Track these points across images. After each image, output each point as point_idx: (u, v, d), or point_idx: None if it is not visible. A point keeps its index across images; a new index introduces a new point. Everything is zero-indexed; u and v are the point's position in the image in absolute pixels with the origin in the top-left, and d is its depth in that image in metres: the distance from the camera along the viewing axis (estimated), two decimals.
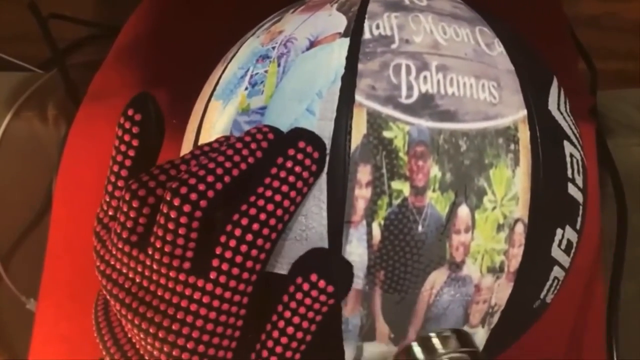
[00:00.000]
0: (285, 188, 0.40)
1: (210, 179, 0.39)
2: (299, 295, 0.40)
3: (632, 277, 0.83)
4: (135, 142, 0.43)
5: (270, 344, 0.41)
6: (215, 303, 0.40)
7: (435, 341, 0.43)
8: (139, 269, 0.41)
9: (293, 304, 0.40)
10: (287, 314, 0.40)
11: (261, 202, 0.39)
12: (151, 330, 0.40)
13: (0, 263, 0.90)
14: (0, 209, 0.89)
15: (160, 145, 0.45)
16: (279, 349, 0.41)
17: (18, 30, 0.94)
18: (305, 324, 0.40)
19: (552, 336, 0.74)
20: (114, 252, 0.42)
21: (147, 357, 0.42)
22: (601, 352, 0.74)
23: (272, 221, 0.40)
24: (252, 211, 0.39)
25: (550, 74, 0.52)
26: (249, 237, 0.39)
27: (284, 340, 0.40)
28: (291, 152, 0.41)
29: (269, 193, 0.40)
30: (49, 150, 0.87)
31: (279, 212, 0.40)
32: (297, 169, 0.40)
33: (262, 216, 0.39)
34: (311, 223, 0.42)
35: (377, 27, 0.46)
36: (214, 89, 0.50)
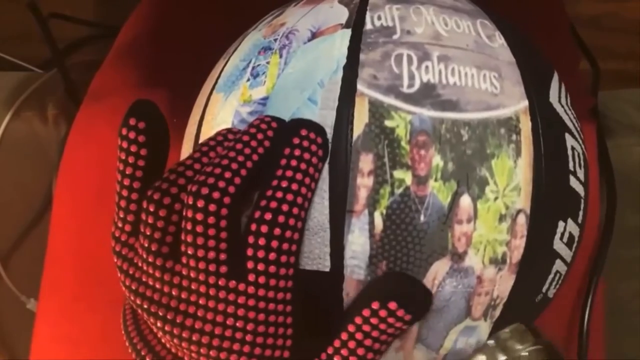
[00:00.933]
0: (299, 176, 0.40)
1: (227, 175, 0.39)
2: (374, 320, 0.40)
3: (631, 277, 0.83)
4: (143, 152, 0.42)
5: (337, 358, 0.41)
6: (261, 304, 0.39)
7: (509, 339, 0.43)
8: (175, 281, 0.40)
9: (367, 327, 0.40)
10: (359, 335, 0.40)
11: (279, 194, 0.39)
12: (203, 341, 0.40)
13: (0, 263, 0.89)
14: (0, 209, 0.89)
15: (168, 149, 0.44)
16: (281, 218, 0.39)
17: (18, 30, 0.94)
18: (376, 346, 0.40)
19: (550, 332, 0.74)
20: (145, 268, 0.41)
21: None
22: (601, 351, 0.74)
23: (295, 210, 0.39)
24: (273, 204, 0.39)
25: (551, 67, 0.52)
26: (277, 231, 0.39)
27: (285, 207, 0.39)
28: (296, 140, 0.41)
29: (284, 183, 0.39)
30: (49, 150, 0.87)
31: (299, 200, 0.39)
32: (306, 155, 0.40)
33: (285, 207, 0.39)
34: (313, 213, 0.42)
35: (379, 18, 0.46)
36: (216, 82, 0.50)
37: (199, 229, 0.38)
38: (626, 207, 0.80)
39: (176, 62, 0.84)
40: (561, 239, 0.47)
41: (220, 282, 0.39)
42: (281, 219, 0.39)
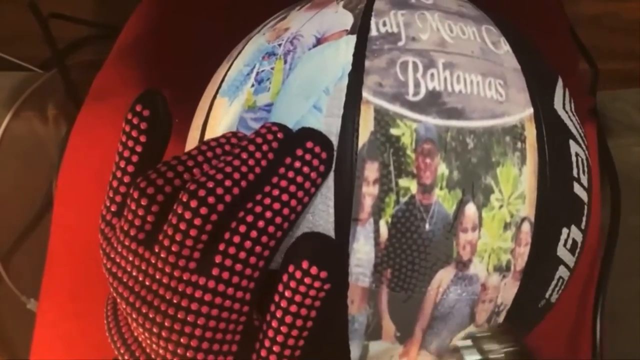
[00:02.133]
0: (292, 188, 0.40)
1: (228, 183, 0.39)
2: (292, 284, 0.39)
3: (631, 277, 0.83)
4: (142, 138, 0.43)
5: (271, 333, 0.40)
6: (218, 300, 0.39)
7: (488, 339, 0.43)
8: (143, 267, 0.41)
9: (288, 293, 0.40)
10: (284, 303, 0.40)
11: (267, 201, 0.39)
12: (154, 330, 0.40)
13: (0, 263, 0.89)
14: (0, 209, 0.89)
15: (167, 142, 0.44)
16: (280, 338, 0.40)
17: (18, 30, 0.94)
18: (303, 311, 0.40)
19: (551, 336, 0.74)
20: (120, 250, 0.42)
21: (153, 356, 0.42)
22: (590, 352, 0.75)
23: (278, 219, 0.39)
24: (258, 209, 0.39)
25: (555, 73, 0.52)
26: (254, 234, 0.39)
27: (284, 329, 0.40)
28: (299, 152, 0.41)
29: (276, 192, 0.40)
30: (49, 150, 0.87)
31: (286, 211, 0.40)
32: (305, 169, 0.40)
33: (268, 214, 0.39)
34: (318, 220, 0.42)
35: (384, 24, 0.46)
36: (220, 86, 0.50)
37: (182, 226, 0.39)
38: (626, 207, 0.80)
39: (177, 62, 0.84)
40: (564, 245, 0.47)
41: (184, 276, 0.39)
42: (261, 224, 0.39)
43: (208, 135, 0.48)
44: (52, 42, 0.87)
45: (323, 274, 0.39)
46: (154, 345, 0.41)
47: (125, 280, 0.41)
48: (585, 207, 0.49)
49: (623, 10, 1.06)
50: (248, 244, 0.39)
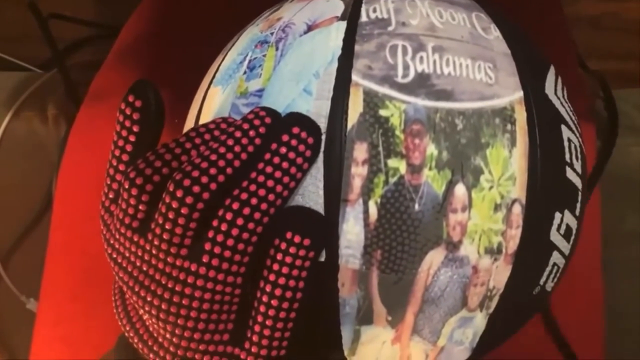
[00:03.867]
0: (278, 174, 0.40)
1: (212, 171, 0.40)
2: (279, 256, 0.40)
3: (631, 277, 0.83)
4: (135, 128, 0.44)
5: (262, 308, 0.41)
6: (209, 285, 0.40)
7: None
8: (139, 254, 0.42)
9: (275, 266, 0.40)
10: (272, 276, 0.41)
11: (253, 187, 0.40)
12: (153, 312, 0.42)
13: (0, 263, 0.89)
14: (0, 209, 0.89)
15: (161, 130, 0.45)
16: (271, 312, 0.41)
17: (18, 30, 0.94)
18: (291, 283, 0.40)
19: (551, 336, 0.74)
20: (117, 237, 0.43)
21: (155, 334, 0.44)
22: (601, 352, 0.74)
23: (264, 205, 0.40)
24: (244, 196, 0.40)
25: (547, 61, 0.52)
26: (240, 221, 0.39)
27: (274, 302, 0.41)
28: (285, 138, 0.41)
29: (261, 178, 0.40)
30: (49, 150, 0.87)
31: (271, 196, 0.40)
32: (291, 154, 0.41)
33: (254, 200, 0.40)
34: (307, 202, 0.42)
35: (374, 10, 0.46)
36: (214, 77, 0.50)
37: (171, 215, 0.40)
38: (626, 207, 0.80)
39: (177, 62, 0.85)
40: (558, 230, 0.47)
41: (177, 262, 0.41)
42: (246, 210, 0.39)
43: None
44: (52, 42, 0.87)
45: (306, 242, 0.40)
46: (155, 325, 0.43)
47: (124, 265, 0.43)
48: (580, 193, 0.49)
49: (623, 10, 1.06)
50: (235, 231, 0.40)
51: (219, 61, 0.52)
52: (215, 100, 0.48)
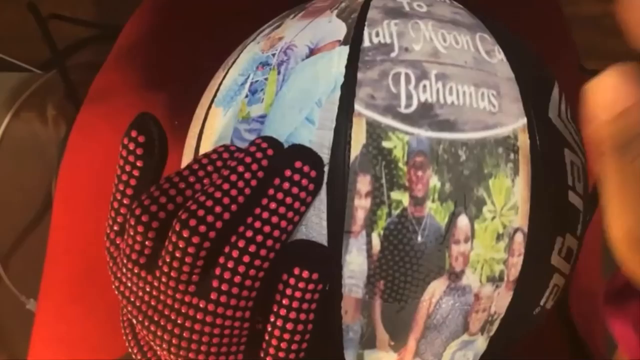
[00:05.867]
0: (282, 209, 0.40)
1: (218, 209, 0.40)
2: (288, 291, 0.40)
3: None
4: (139, 163, 0.44)
5: (274, 342, 0.42)
6: (218, 321, 0.41)
7: None
8: (148, 289, 0.42)
9: (286, 301, 0.41)
10: (283, 311, 0.41)
11: (258, 224, 0.40)
12: (164, 346, 0.42)
13: (0, 263, 0.90)
14: (0, 209, 0.89)
15: (164, 163, 0.45)
16: (284, 345, 0.41)
17: (18, 31, 0.94)
18: (302, 316, 0.41)
19: (551, 337, 0.74)
20: (124, 271, 0.43)
21: None
22: (601, 352, 0.75)
23: (270, 242, 0.40)
24: (249, 233, 0.40)
25: (552, 80, 0.51)
26: (247, 258, 0.40)
27: (286, 336, 0.41)
28: (288, 173, 0.41)
29: (265, 214, 0.40)
30: (49, 150, 0.87)
31: (276, 232, 0.40)
32: (294, 189, 0.41)
33: (259, 238, 0.40)
34: (311, 233, 0.42)
35: (377, 34, 0.46)
36: (215, 95, 0.50)
37: (178, 254, 0.40)
38: None
39: (177, 63, 0.84)
40: (559, 254, 0.47)
41: (185, 299, 0.41)
42: (252, 248, 0.40)
43: (204, 145, 0.48)
44: (52, 43, 0.87)
45: (315, 276, 0.40)
46: (166, 357, 0.43)
47: (132, 299, 0.43)
48: (581, 214, 0.49)
49: None
50: (242, 268, 0.40)
51: (219, 78, 0.51)
52: (217, 122, 0.48)
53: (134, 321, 0.44)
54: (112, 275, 0.45)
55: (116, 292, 0.44)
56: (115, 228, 0.45)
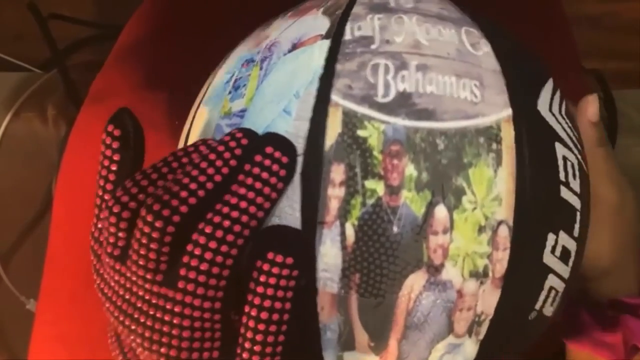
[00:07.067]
0: (251, 194, 0.40)
1: (183, 194, 0.39)
2: (262, 278, 0.39)
3: None
4: (116, 157, 0.44)
5: (249, 334, 0.41)
6: (187, 311, 0.40)
7: None
8: (122, 282, 0.42)
9: (260, 289, 0.40)
10: (257, 300, 0.40)
11: (226, 209, 0.40)
12: (138, 341, 0.42)
13: (0, 263, 0.90)
14: (0, 209, 0.90)
15: (142, 157, 0.45)
16: (259, 337, 0.40)
17: (18, 30, 0.95)
18: (278, 305, 0.40)
19: (551, 336, 0.73)
20: (105, 267, 0.43)
21: None
22: None
23: (237, 227, 0.39)
24: (217, 219, 0.39)
25: (544, 75, 0.50)
26: (213, 244, 0.39)
27: (261, 326, 0.40)
28: (258, 158, 0.41)
29: (234, 200, 0.40)
30: (49, 150, 0.87)
31: (245, 218, 0.40)
32: (264, 175, 0.40)
33: (226, 223, 0.39)
34: (284, 223, 0.41)
35: (359, 28, 0.45)
36: (204, 95, 0.50)
37: (144, 240, 0.39)
38: None
39: (177, 63, 0.84)
40: (552, 252, 0.45)
41: (154, 289, 0.40)
42: (219, 233, 0.39)
43: (190, 143, 0.48)
44: (52, 43, 0.88)
45: (289, 260, 0.39)
46: (144, 354, 0.43)
47: (110, 295, 0.43)
48: (578, 213, 0.48)
49: (623, 10, 1.06)
50: (209, 254, 0.39)
51: (210, 80, 0.51)
52: (201, 120, 0.48)
53: (112, 319, 0.43)
54: (95, 273, 0.44)
55: (99, 293, 0.44)
56: (99, 225, 0.45)
